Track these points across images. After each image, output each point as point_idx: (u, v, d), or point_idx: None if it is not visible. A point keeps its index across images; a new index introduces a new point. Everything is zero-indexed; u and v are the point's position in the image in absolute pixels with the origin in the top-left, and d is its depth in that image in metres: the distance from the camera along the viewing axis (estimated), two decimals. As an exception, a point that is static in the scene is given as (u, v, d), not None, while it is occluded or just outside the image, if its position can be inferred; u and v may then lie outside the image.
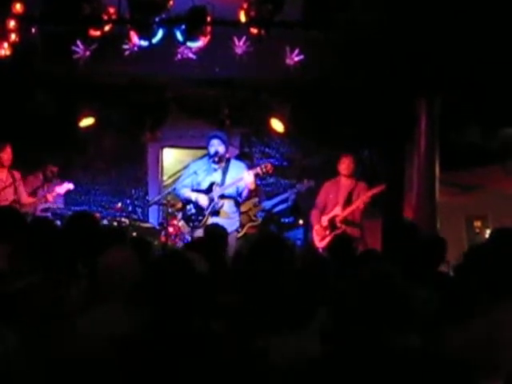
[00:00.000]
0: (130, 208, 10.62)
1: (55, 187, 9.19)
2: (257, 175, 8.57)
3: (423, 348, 2.97)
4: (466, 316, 3.13)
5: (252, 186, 8.49)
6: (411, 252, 5.06)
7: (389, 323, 2.94)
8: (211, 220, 8.42)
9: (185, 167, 9.48)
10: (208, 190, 8.62)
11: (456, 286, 3.82)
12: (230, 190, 8.59)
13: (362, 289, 3.01)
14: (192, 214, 8.67)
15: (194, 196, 8.64)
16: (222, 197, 8.58)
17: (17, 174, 9.11)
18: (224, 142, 8.67)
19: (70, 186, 9.26)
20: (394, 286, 3.00)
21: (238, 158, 9.72)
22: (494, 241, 3.80)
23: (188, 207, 8.72)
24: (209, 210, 8.56)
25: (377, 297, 2.98)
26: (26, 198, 9.14)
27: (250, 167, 8.90)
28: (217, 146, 8.58)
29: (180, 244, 9.09)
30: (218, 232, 6.44)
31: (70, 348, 3.24)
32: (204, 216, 8.57)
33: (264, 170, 8.54)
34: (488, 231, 10.62)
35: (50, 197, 9.11)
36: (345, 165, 9.07)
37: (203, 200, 8.57)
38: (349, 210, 8.90)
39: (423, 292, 4.03)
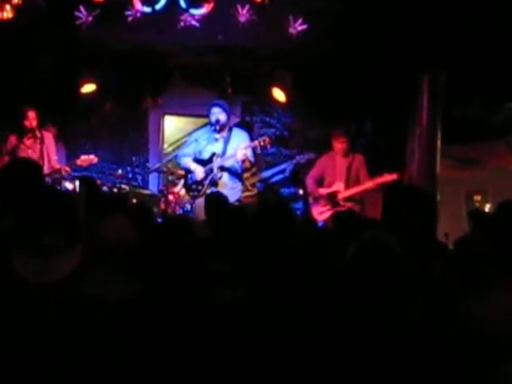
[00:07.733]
0: (131, 175, 10.59)
1: (76, 160, 9.00)
2: (255, 148, 8.57)
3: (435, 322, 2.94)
4: (486, 289, 3.10)
5: (243, 158, 8.46)
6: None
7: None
8: (210, 190, 8.44)
9: (186, 135, 9.46)
10: (209, 161, 8.70)
11: (471, 258, 3.76)
12: (231, 161, 8.60)
13: (361, 254, 2.99)
14: (192, 183, 8.79)
15: (193, 166, 8.76)
16: (222, 168, 8.61)
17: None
18: (225, 110, 8.67)
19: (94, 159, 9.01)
20: (392, 253, 2.98)
21: (240, 125, 9.68)
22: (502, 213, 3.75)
23: (189, 176, 8.85)
24: (207, 180, 8.64)
25: (376, 262, 2.95)
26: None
27: (251, 136, 8.91)
28: (217, 114, 8.61)
29: (179, 211, 9.11)
30: (217, 200, 6.45)
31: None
32: (203, 186, 8.64)
33: (262, 143, 8.53)
34: (488, 206, 10.61)
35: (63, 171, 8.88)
36: (338, 145, 8.92)
37: (199, 173, 8.68)
38: (353, 190, 8.78)
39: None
